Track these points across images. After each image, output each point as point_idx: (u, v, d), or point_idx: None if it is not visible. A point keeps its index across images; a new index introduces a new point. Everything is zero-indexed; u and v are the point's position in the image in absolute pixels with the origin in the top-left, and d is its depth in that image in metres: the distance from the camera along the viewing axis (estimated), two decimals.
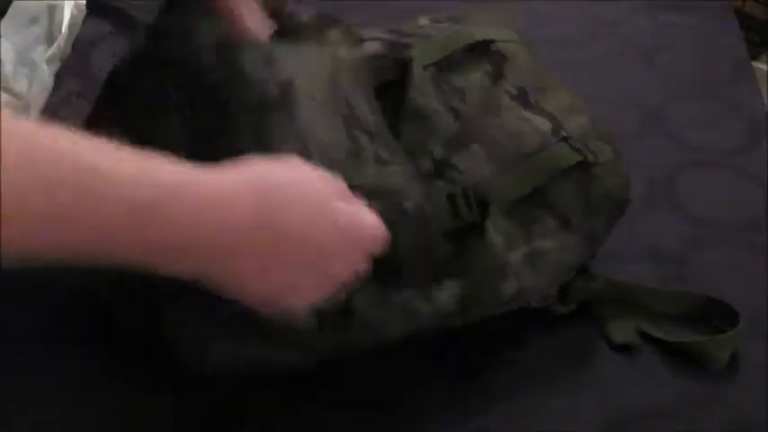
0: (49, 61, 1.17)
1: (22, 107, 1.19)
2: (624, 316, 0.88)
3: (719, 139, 1.08)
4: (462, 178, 0.79)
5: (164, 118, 0.73)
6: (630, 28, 1.21)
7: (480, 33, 0.89)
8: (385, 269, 0.71)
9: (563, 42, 1.17)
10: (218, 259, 0.59)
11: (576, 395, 0.84)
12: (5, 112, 0.51)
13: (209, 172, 0.59)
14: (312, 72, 0.76)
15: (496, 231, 0.79)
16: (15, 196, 0.50)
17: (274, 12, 0.79)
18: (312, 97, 0.74)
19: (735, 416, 0.83)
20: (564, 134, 0.84)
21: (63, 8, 1.23)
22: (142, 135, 0.62)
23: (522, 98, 0.86)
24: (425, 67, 0.84)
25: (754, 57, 1.76)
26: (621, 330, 0.87)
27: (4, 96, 1.19)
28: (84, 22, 1.17)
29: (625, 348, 0.87)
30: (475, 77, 0.85)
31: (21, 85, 1.20)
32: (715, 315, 0.89)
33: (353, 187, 0.68)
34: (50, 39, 1.22)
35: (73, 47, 1.12)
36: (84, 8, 1.19)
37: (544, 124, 0.84)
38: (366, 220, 0.67)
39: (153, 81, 0.75)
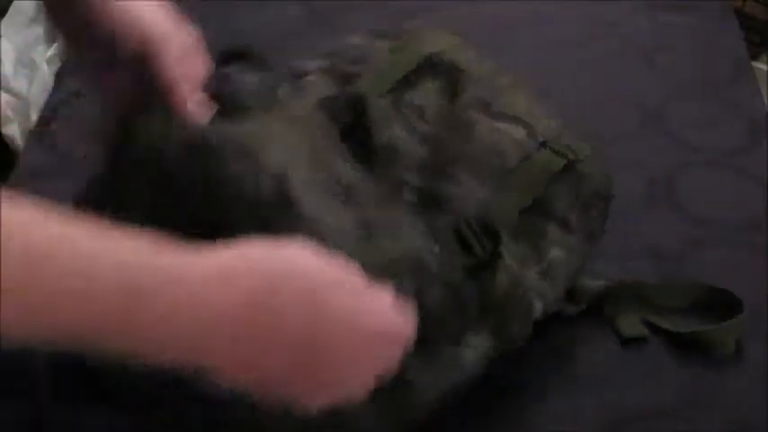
0: (49, 61, 1.17)
1: (22, 107, 1.19)
2: (631, 311, 0.89)
3: (719, 139, 1.08)
4: (458, 207, 0.78)
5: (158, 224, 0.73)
6: (630, 28, 1.21)
7: (426, 46, 0.87)
8: (421, 332, 0.69)
9: (563, 42, 1.18)
10: (217, 343, 0.56)
11: (575, 395, 0.84)
12: (3, 195, 0.50)
13: (207, 254, 0.57)
14: (294, 153, 0.73)
15: (509, 255, 0.78)
16: (10, 284, 0.49)
17: (215, 94, 0.77)
18: (306, 183, 0.71)
19: (735, 416, 0.83)
20: (541, 138, 0.84)
21: None
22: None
23: (487, 109, 0.85)
24: (381, 96, 0.83)
25: (754, 57, 1.76)
26: (631, 324, 0.88)
27: (4, 96, 1.19)
28: None
29: (636, 341, 0.88)
30: (433, 94, 0.84)
31: (21, 84, 1.21)
32: (718, 304, 0.90)
33: (370, 265, 0.66)
34: (50, 39, 1.22)
35: None
36: None
37: (518, 131, 0.83)
38: (388, 320, 0.61)
39: (139, 192, 0.72)
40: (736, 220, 0.99)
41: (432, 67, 0.86)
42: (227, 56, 0.96)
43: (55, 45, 1.17)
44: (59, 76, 1.08)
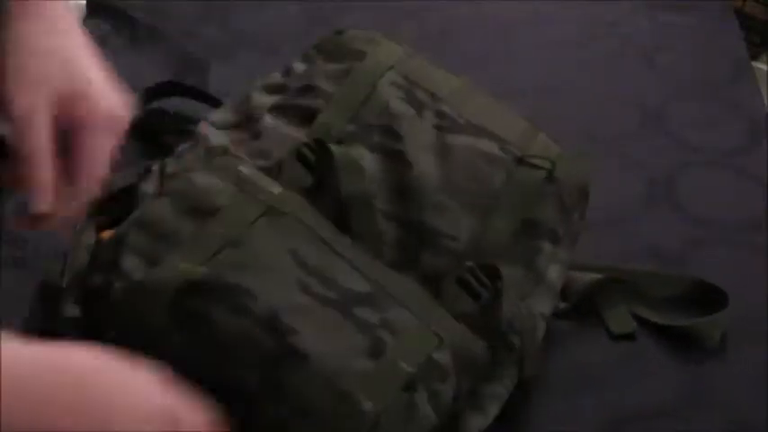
0: None
1: None
2: (620, 303, 0.89)
3: (719, 139, 1.08)
4: (452, 245, 0.78)
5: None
6: (630, 28, 1.21)
7: (376, 63, 0.85)
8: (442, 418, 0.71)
9: (563, 42, 1.18)
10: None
11: (576, 395, 0.84)
12: None
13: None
14: (280, 272, 0.72)
15: (507, 285, 0.77)
16: None
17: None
18: (300, 310, 0.70)
19: (735, 416, 0.83)
20: (515, 151, 0.83)
21: None
22: None
23: (452, 122, 0.83)
24: (341, 141, 0.81)
25: (754, 57, 1.76)
26: (620, 321, 0.89)
27: None
28: (84, 22, 1.16)
29: (629, 338, 0.88)
30: (397, 110, 0.83)
31: None
32: (703, 296, 0.91)
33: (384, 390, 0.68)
34: None
35: None
36: (84, 8, 1.19)
37: (490, 146, 0.82)
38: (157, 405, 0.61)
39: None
40: (736, 220, 0.99)
41: (389, 83, 0.84)
42: (154, 90, 0.97)
43: None
44: None
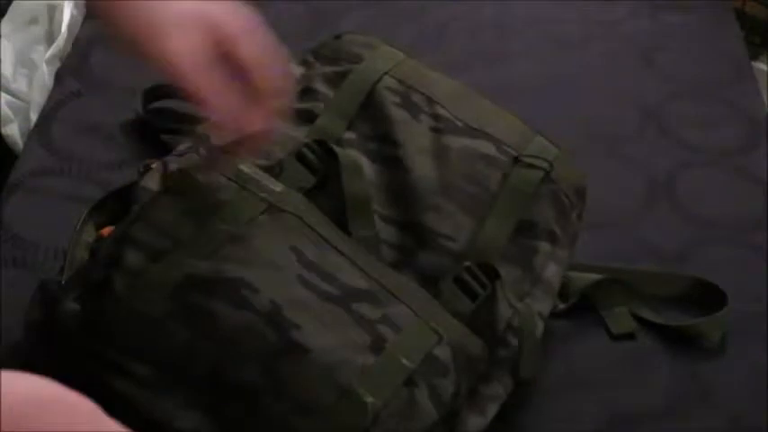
0: (48, 61, 1.17)
1: (22, 107, 1.19)
2: (620, 303, 0.89)
3: (719, 139, 1.08)
4: (450, 245, 0.78)
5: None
6: (630, 28, 1.21)
7: (369, 70, 0.85)
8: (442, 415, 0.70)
9: (563, 42, 1.18)
10: None
11: (575, 395, 0.84)
12: None
13: None
14: (282, 268, 0.72)
15: (504, 285, 0.78)
16: None
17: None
18: (301, 304, 0.70)
19: (735, 416, 0.83)
20: (511, 152, 0.83)
21: (63, 8, 1.23)
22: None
23: (449, 125, 0.84)
24: (346, 130, 0.82)
25: (754, 57, 1.76)
26: (620, 321, 0.89)
27: (4, 96, 1.19)
28: (84, 22, 1.17)
29: (625, 338, 0.88)
30: (394, 116, 0.83)
31: (21, 85, 1.20)
32: (703, 295, 0.91)
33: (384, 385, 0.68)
34: (50, 39, 1.22)
35: (73, 47, 1.12)
36: (84, 8, 1.19)
37: (487, 148, 0.83)
38: None
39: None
40: (736, 220, 0.99)
41: (385, 88, 0.84)
42: (154, 90, 0.97)
43: (55, 45, 1.17)
44: (59, 76, 1.08)
